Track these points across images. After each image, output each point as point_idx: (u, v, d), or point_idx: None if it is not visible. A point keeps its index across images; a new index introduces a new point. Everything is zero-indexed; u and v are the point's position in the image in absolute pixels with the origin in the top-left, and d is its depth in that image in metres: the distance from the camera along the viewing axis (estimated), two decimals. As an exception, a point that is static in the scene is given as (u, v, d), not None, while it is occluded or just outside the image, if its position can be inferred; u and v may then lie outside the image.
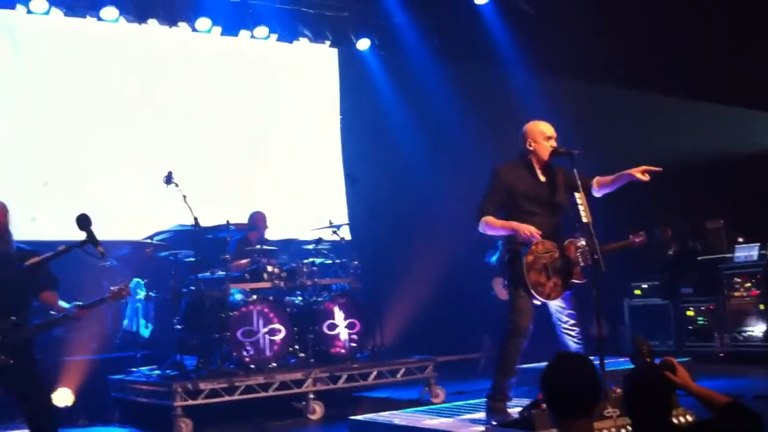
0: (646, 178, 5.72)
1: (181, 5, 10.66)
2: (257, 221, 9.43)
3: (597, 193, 5.96)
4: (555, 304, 5.83)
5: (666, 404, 3.57)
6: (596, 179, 5.95)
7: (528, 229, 5.62)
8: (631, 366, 4.31)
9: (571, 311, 5.83)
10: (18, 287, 5.41)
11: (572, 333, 5.81)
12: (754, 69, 9.81)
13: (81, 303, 5.57)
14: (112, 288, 5.79)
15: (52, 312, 5.64)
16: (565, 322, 5.83)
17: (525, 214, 5.78)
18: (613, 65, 10.56)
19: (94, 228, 5.24)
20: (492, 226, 5.79)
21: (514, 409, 5.70)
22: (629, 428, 4.96)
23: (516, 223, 5.70)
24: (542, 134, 5.90)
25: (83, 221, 5.21)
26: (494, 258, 9.82)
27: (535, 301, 5.72)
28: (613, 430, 4.96)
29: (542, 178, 5.91)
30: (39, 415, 5.32)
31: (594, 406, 3.48)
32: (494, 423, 5.53)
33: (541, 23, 11.14)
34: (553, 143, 5.88)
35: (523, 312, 5.72)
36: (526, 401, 5.45)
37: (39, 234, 8.95)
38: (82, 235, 5.25)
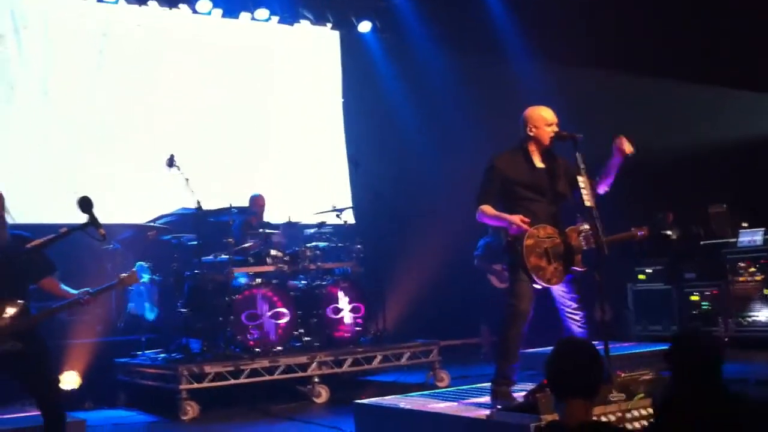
0: (629, 149, 5.66)
1: (182, -13, 10.62)
2: (254, 203, 9.48)
3: (601, 190, 5.90)
4: (558, 289, 5.81)
5: (715, 366, 3.56)
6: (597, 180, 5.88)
7: (516, 222, 5.59)
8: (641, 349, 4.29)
9: (574, 295, 5.80)
10: (18, 272, 5.35)
11: (576, 317, 5.80)
12: (757, 52, 9.75)
13: (89, 290, 5.53)
14: (121, 275, 5.76)
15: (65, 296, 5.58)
16: (569, 307, 5.82)
17: (523, 200, 5.75)
18: (616, 51, 10.49)
19: (96, 211, 5.21)
20: (487, 215, 5.78)
21: (519, 394, 5.70)
22: (634, 413, 4.98)
23: (507, 215, 5.69)
24: (543, 120, 5.84)
25: (84, 203, 5.17)
26: (481, 244, 9.85)
27: (536, 286, 5.70)
28: (618, 414, 4.97)
29: (541, 165, 5.86)
30: (50, 398, 5.31)
31: (595, 390, 3.49)
32: (499, 407, 5.53)
33: (542, 8, 11.07)
34: (555, 128, 5.82)
35: (523, 296, 5.70)
36: (530, 385, 5.43)
37: (41, 217, 8.95)
38: (84, 218, 5.22)
